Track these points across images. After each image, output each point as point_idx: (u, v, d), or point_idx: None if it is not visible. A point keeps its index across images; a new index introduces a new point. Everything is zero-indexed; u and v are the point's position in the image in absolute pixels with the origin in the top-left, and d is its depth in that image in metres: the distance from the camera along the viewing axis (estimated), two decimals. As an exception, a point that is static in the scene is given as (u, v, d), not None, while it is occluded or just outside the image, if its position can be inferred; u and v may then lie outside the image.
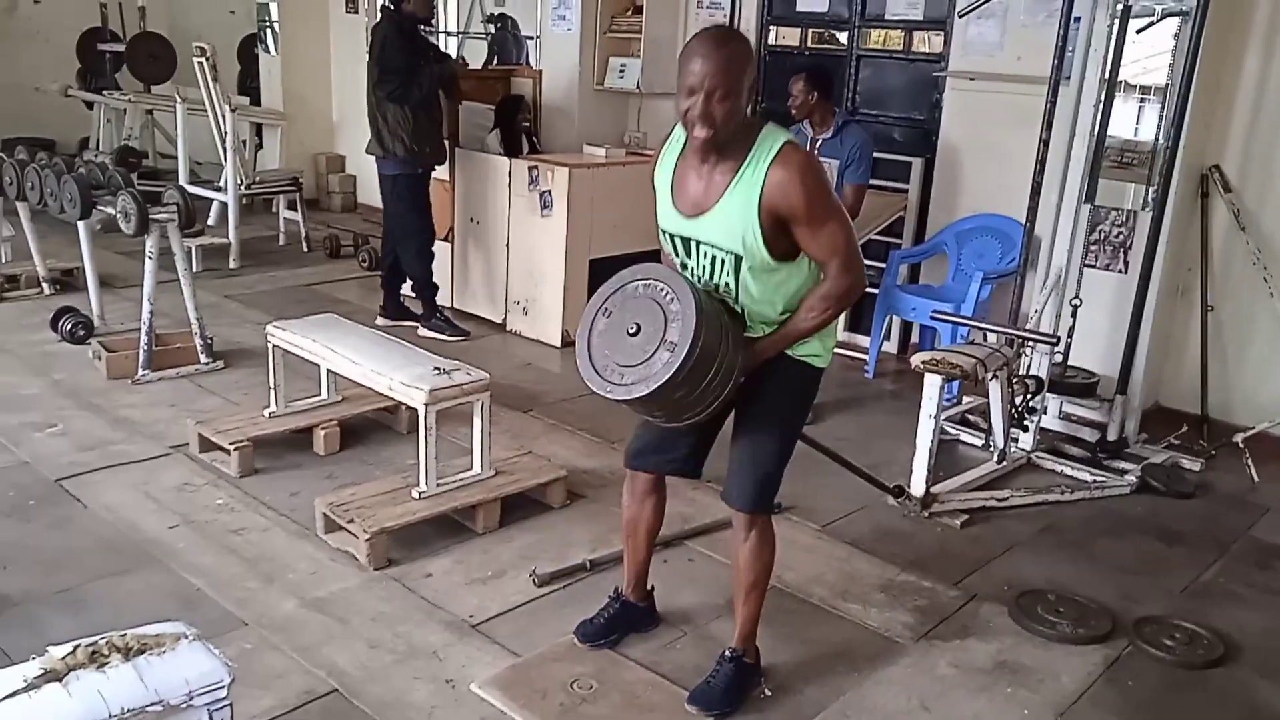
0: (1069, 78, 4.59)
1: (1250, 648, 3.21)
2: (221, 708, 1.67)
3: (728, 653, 2.83)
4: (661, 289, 2.47)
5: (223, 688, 1.66)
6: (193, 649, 1.69)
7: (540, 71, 6.67)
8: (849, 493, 4.06)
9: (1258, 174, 4.72)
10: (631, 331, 2.47)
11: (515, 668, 2.90)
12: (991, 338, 4.48)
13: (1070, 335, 4.64)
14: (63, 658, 1.61)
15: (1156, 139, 4.49)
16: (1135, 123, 4.64)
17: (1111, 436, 4.62)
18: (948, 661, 3.06)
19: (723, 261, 2.52)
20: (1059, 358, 4.62)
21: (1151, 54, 4.53)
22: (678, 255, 2.63)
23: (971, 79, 5.49)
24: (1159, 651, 3.13)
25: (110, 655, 1.63)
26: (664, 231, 2.65)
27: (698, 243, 2.55)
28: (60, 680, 1.58)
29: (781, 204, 2.41)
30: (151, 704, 1.59)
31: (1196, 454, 4.62)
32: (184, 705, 1.62)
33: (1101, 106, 4.49)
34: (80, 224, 5.41)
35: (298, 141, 9.13)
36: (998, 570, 3.62)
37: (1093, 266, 4.76)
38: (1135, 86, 4.55)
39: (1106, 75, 4.47)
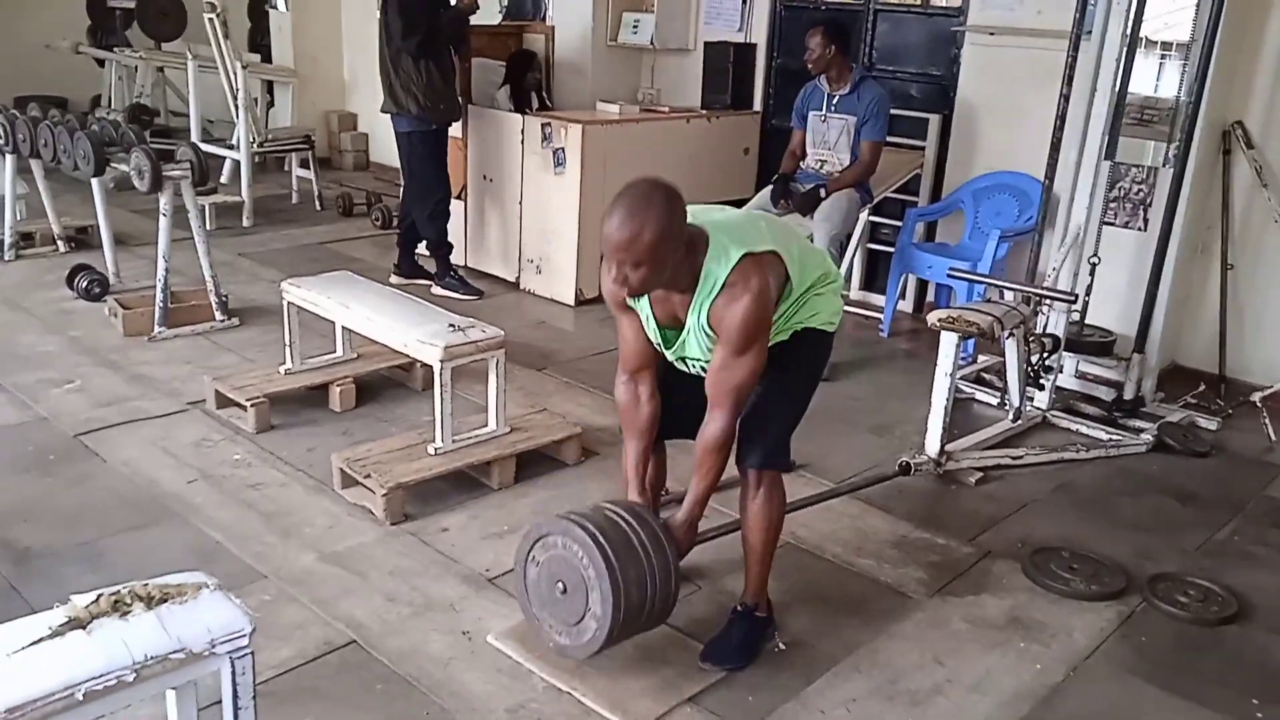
0: (1090, 32, 4.51)
1: (1264, 605, 3.21)
2: (243, 655, 1.69)
3: (739, 607, 2.84)
4: (576, 551, 2.51)
5: (244, 636, 1.68)
6: (214, 599, 1.71)
7: (552, 27, 6.61)
8: (862, 451, 4.06)
9: (1281, 130, 4.67)
10: (560, 591, 2.57)
11: (531, 621, 2.92)
12: (1009, 296, 4.44)
13: (1088, 293, 4.61)
14: (86, 606, 1.63)
15: (1178, 95, 4.43)
16: (1156, 79, 4.59)
17: (1128, 395, 4.60)
18: (961, 617, 3.07)
19: (704, 366, 2.60)
20: (1076, 316, 4.59)
21: (1174, 9, 4.46)
22: (671, 352, 2.68)
23: (991, 34, 5.41)
24: (1173, 608, 3.14)
25: (133, 604, 1.65)
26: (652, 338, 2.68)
27: (681, 357, 2.66)
28: (84, 628, 1.59)
29: (719, 326, 2.48)
30: (174, 652, 1.60)
31: (1213, 413, 4.59)
32: (206, 653, 1.64)
33: (1123, 62, 4.43)
34: (94, 181, 5.41)
35: (309, 100, 9.10)
36: (1012, 527, 3.62)
37: (1112, 224, 4.71)
38: (1157, 42, 4.49)
39: (1128, 30, 4.39)
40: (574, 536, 2.53)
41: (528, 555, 2.65)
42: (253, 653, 1.70)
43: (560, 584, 2.56)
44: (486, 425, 3.78)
